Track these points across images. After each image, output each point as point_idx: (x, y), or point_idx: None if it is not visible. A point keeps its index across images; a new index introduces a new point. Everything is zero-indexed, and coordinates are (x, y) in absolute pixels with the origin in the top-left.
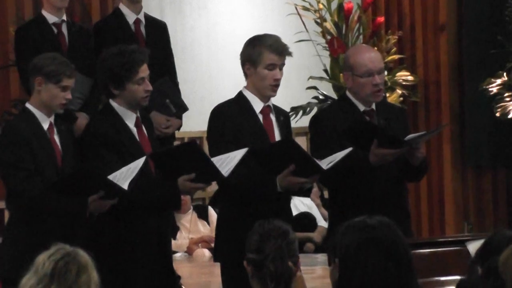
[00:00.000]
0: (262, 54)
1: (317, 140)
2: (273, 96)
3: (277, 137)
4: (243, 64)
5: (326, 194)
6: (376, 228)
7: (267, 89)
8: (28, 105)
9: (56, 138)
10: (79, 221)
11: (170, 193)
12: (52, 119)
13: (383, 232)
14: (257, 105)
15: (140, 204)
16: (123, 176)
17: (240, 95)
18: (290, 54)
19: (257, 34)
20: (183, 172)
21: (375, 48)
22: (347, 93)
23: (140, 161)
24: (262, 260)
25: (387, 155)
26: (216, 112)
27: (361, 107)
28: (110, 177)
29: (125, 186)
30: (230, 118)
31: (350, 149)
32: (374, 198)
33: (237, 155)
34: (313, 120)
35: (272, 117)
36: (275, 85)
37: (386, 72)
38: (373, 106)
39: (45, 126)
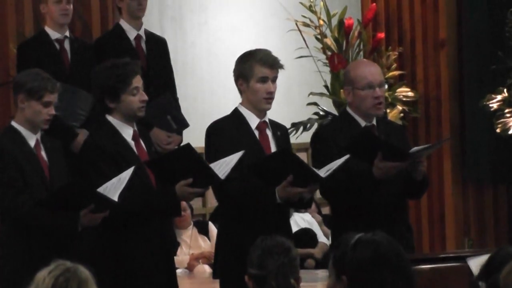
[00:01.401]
0: (253, 68)
1: (319, 157)
2: (268, 109)
3: None
4: (236, 80)
5: (324, 211)
6: (385, 244)
7: (261, 102)
8: (13, 123)
9: (44, 154)
10: (71, 235)
11: (169, 199)
12: (39, 136)
13: (391, 249)
14: (253, 121)
15: (139, 214)
16: (113, 187)
17: (236, 111)
18: (281, 66)
19: (247, 50)
20: (181, 178)
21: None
22: (348, 108)
23: (128, 172)
24: (264, 276)
25: (390, 168)
26: (212, 129)
27: (362, 123)
28: (101, 188)
29: (115, 197)
30: (226, 134)
31: (347, 156)
32: (377, 212)
33: (233, 158)
34: (314, 137)
35: (269, 132)
36: (269, 98)
37: (386, 88)
38: (374, 122)
39: (32, 143)
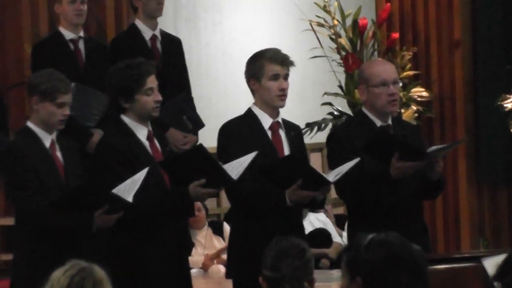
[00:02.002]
0: (264, 67)
1: (335, 157)
2: (282, 106)
3: (287, 153)
4: (248, 81)
5: (335, 211)
6: (399, 245)
7: (275, 100)
8: (29, 123)
9: (59, 155)
10: (86, 236)
11: (182, 200)
12: (54, 136)
13: (404, 249)
14: (266, 121)
15: (153, 214)
16: (128, 188)
17: (249, 111)
18: (292, 63)
19: (257, 51)
20: (194, 179)
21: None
22: (363, 108)
23: (143, 172)
24: (279, 279)
25: (408, 168)
26: (223, 130)
27: (378, 122)
28: (115, 190)
29: (129, 198)
30: (238, 136)
31: (357, 159)
32: (392, 213)
33: (247, 159)
34: (329, 137)
35: (282, 132)
36: (282, 95)
37: (401, 86)
38: (389, 122)
39: (47, 143)
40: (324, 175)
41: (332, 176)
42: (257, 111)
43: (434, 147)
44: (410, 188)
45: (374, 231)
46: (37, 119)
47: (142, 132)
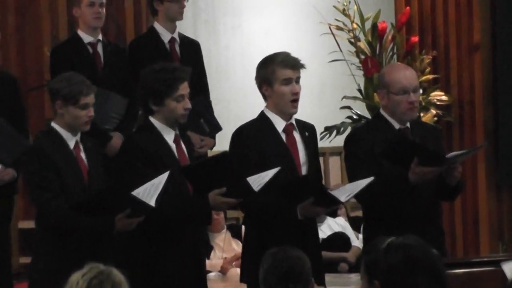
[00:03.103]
0: (275, 72)
1: (353, 159)
2: (295, 113)
3: (302, 155)
4: (260, 87)
5: (352, 214)
6: (417, 248)
7: (288, 106)
8: (53, 124)
9: (83, 156)
10: (106, 240)
11: (201, 208)
12: (78, 137)
13: (423, 252)
14: (280, 124)
15: (171, 219)
16: (148, 192)
17: (262, 115)
18: (303, 66)
19: (266, 56)
20: (215, 187)
21: None
22: (381, 111)
23: (163, 177)
24: None
25: (427, 173)
26: (238, 135)
27: (396, 125)
28: (134, 193)
29: (151, 202)
30: (252, 140)
31: (370, 178)
32: (410, 216)
33: (269, 174)
34: (347, 138)
35: (296, 134)
36: (295, 100)
37: (421, 92)
38: (408, 125)
39: (71, 145)
40: (335, 195)
41: (344, 196)
42: (270, 115)
43: (453, 153)
44: (427, 192)
45: (390, 234)
46: (62, 122)
47: (169, 135)
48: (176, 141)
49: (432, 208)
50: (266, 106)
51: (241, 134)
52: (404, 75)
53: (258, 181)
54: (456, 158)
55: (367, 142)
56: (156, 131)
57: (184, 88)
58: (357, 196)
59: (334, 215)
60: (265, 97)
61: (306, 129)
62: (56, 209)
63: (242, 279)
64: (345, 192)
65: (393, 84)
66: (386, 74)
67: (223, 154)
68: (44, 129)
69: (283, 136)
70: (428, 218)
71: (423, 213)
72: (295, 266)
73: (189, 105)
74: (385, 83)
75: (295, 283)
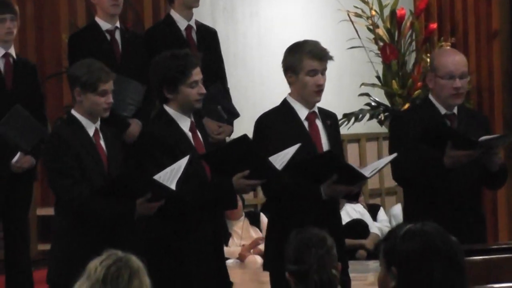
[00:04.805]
0: (302, 61)
1: (394, 140)
2: (318, 101)
3: (324, 143)
4: (285, 72)
5: (372, 201)
6: (435, 235)
7: (311, 95)
8: (73, 112)
9: (102, 143)
10: (127, 224)
11: (225, 191)
12: (98, 125)
13: (441, 239)
14: (302, 112)
15: (194, 205)
16: (168, 177)
17: (285, 103)
18: (330, 58)
19: (296, 42)
20: (237, 170)
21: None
22: (430, 96)
23: (184, 161)
24: (305, 271)
25: (461, 157)
26: (260, 122)
27: (442, 110)
28: (154, 177)
29: (172, 186)
30: (275, 128)
31: (394, 155)
32: (450, 201)
33: (289, 151)
34: (394, 120)
35: (318, 122)
36: (319, 91)
37: (469, 78)
38: (455, 111)
39: (91, 132)
40: (360, 170)
41: (368, 171)
42: (293, 102)
43: (485, 137)
44: (466, 178)
45: (429, 219)
46: (81, 109)
47: (185, 123)
48: (192, 129)
49: (474, 194)
50: (290, 93)
51: (265, 121)
52: (452, 60)
53: (280, 159)
54: (489, 142)
55: (410, 124)
56: (172, 119)
57: (197, 74)
58: (396, 178)
59: (356, 198)
60: (289, 83)
61: (329, 117)
62: (78, 195)
63: (266, 267)
64: (370, 168)
65: (440, 67)
66: (435, 57)
67: (243, 136)
68: (63, 116)
69: (306, 124)
70: (469, 204)
71: (465, 199)
72: (327, 237)
73: (203, 90)
74: (434, 66)
75: (330, 249)
